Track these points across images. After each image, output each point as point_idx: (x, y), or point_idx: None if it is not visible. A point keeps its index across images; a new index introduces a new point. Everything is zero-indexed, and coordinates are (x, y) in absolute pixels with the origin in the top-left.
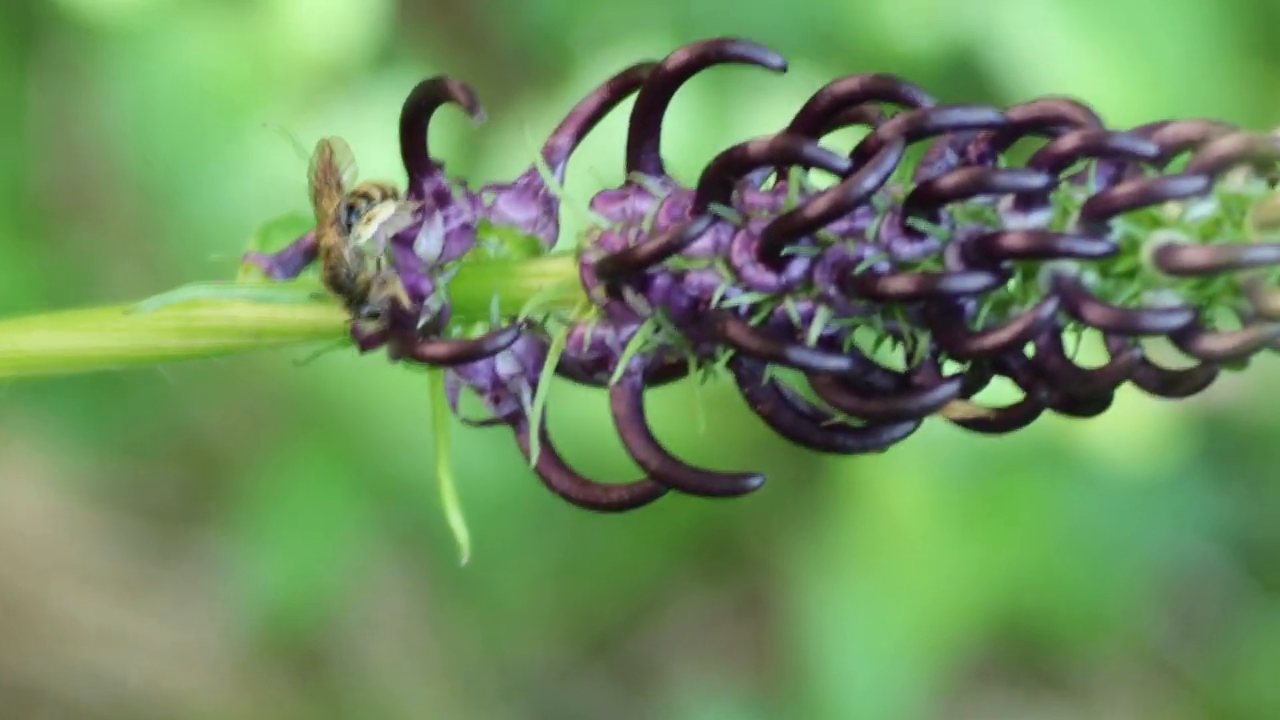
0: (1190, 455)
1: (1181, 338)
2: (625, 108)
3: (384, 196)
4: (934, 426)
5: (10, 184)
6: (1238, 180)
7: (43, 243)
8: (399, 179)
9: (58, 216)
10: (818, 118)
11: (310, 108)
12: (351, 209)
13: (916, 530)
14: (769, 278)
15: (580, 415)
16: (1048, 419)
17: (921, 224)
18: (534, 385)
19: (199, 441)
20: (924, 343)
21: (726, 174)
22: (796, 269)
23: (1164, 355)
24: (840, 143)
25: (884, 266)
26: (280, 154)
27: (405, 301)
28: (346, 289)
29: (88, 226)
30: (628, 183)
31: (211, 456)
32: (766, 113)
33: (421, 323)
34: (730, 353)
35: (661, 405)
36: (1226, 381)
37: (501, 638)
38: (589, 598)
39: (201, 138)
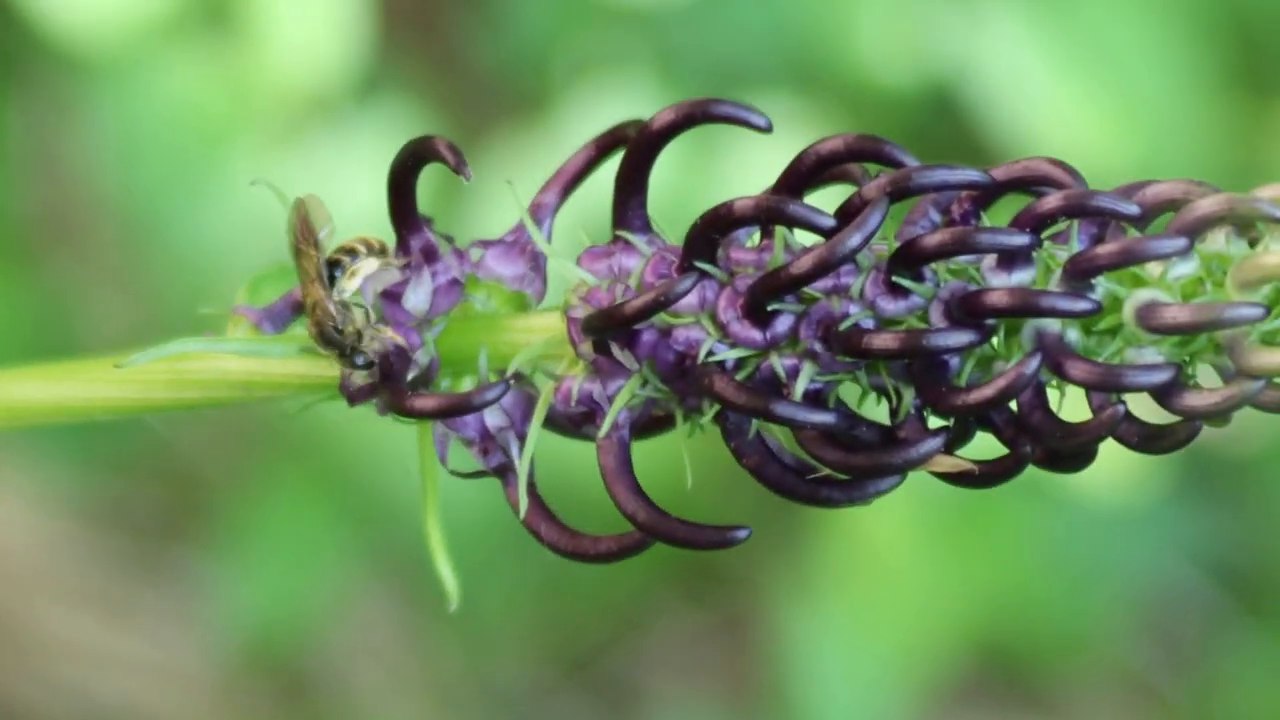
0: (1170, 481)
1: (1164, 394)
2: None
3: (369, 251)
4: None
5: None
6: (1219, 240)
7: (24, 269)
8: (385, 219)
9: (39, 244)
10: (802, 176)
11: (294, 137)
12: (336, 264)
13: (896, 552)
14: (754, 334)
15: (567, 455)
16: None
17: (906, 281)
18: (522, 438)
19: (183, 462)
20: (908, 398)
21: (712, 232)
22: (782, 325)
23: (1147, 410)
24: (824, 201)
25: (869, 323)
26: (261, 186)
27: (397, 344)
28: (335, 342)
29: (69, 254)
30: (614, 239)
31: (195, 477)
32: (751, 147)
33: (410, 376)
34: (717, 407)
35: (645, 442)
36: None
37: (483, 657)
38: (570, 617)
39: (183, 167)
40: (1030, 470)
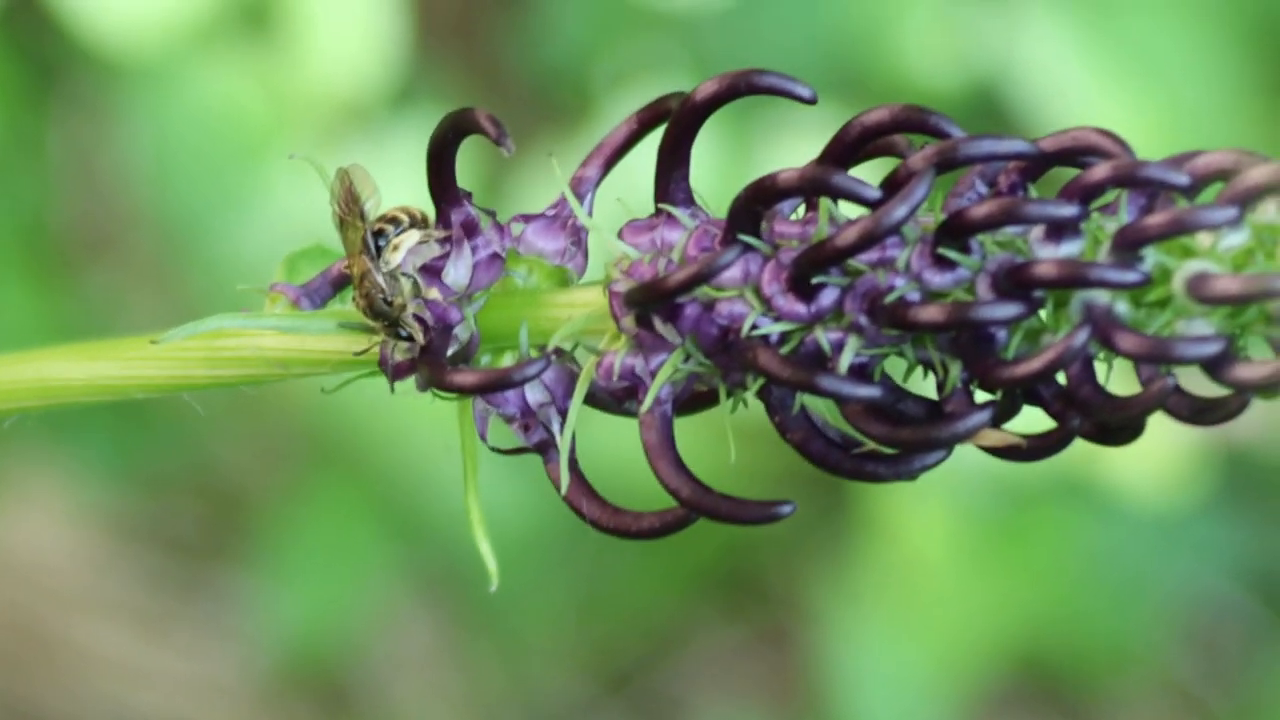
0: (1211, 490)
1: (1214, 366)
2: (652, 139)
3: (411, 222)
4: (958, 459)
5: (30, 220)
6: (1269, 210)
7: (63, 280)
8: (427, 209)
9: (78, 253)
10: (847, 148)
11: (329, 146)
12: (380, 234)
13: (938, 564)
14: (799, 307)
15: (605, 450)
16: (1070, 453)
17: (952, 254)
18: (563, 414)
19: (221, 476)
20: (955, 371)
21: (756, 204)
22: (827, 298)
23: (1196, 384)
24: (868, 175)
25: (915, 296)
26: (299, 192)
27: (439, 319)
28: (384, 314)
29: (108, 264)
30: (657, 212)
31: (233, 491)
32: (787, 154)
33: (450, 352)
34: (761, 381)
35: (687, 438)
36: (1248, 417)
37: (524, 673)
38: (611, 633)
39: (221, 176)
40: (1072, 478)
